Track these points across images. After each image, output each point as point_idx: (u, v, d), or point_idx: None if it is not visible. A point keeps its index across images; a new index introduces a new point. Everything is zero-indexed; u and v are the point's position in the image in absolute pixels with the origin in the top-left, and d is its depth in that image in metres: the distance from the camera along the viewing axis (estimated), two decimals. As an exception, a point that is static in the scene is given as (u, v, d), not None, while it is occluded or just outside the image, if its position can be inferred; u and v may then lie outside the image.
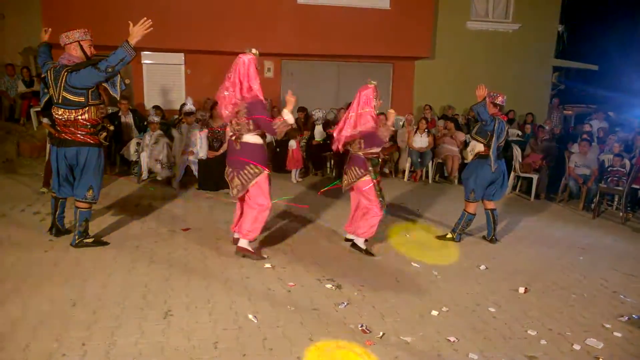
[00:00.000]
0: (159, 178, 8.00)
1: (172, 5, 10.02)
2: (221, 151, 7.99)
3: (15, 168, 8.51)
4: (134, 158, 8.31)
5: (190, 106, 8.29)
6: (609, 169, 8.12)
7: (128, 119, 9.12)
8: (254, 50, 4.74)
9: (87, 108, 4.74)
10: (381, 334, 3.67)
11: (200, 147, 7.83)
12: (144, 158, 7.94)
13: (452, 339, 3.67)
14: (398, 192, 8.41)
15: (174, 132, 8.25)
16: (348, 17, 11.01)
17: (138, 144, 8.29)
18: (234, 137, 4.83)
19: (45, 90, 4.90)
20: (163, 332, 3.49)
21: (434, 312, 4.08)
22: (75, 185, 4.92)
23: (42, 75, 4.85)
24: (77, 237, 4.94)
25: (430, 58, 12.21)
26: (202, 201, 7.15)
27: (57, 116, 4.75)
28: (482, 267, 5.22)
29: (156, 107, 9.28)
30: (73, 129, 4.73)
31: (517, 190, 9.16)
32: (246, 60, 4.69)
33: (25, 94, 10.20)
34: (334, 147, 5.45)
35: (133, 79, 11.05)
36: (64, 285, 4.10)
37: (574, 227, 7.17)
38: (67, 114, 4.68)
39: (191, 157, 7.88)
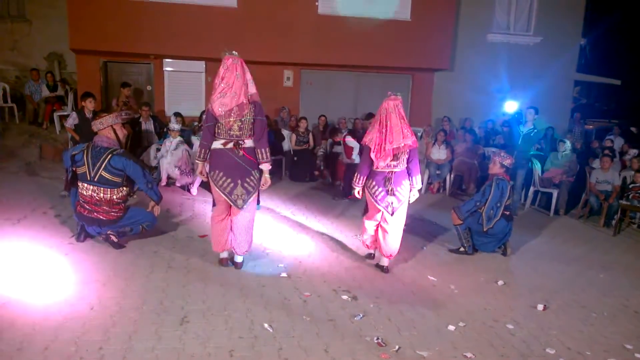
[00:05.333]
0: (177, 184, 8.07)
1: (193, 13, 10.15)
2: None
3: (37, 171, 8.64)
4: (153, 164, 8.39)
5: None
6: (630, 186, 7.98)
7: (148, 125, 9.23)
8: (235, 52, 4.67)
9: (122, 188, 5.08)
10: (397, 347, 3.64)
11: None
12: (164, 164, 8.01)
13: (468, 355, 3.63)
14: (415, 204, 8.31)
15: (193, 139, 8.32)
16: (368, 28, 11.03)
17: (158, 150, 8.37)
18: (231, 144, 4.57)
19: (71, 169, 5.11)
20: (179, 338, 3.51)
21: (451, 327, 4.04)
22: None
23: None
24: (114, 231, 5.15)
25: (450, 70, 12.18)
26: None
27: (88, 193, 4.99)
28: (500, 282, 5.16)
29: (177, 114, 9.39)
30: (107, 208, 5.01)
31: (536, 205, 9.05)
32: (243, 62, 4.64)
33: (49, 99, 10.41)
34: (377, 161, 4.93)
35: (154, 86, 11.21)
36: (83, 289, 4.15)
37: (594, 243, 7.05)
38: (103, 192, 4.97)
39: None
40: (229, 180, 4.60)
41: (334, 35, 10.91)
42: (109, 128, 5.11)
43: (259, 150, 4.70)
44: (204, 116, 4.81)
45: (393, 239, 5.10)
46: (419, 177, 5.10)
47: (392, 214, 4.99)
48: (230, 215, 4.80)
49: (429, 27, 11.36)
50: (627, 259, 6.42)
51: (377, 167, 4.95)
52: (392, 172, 4.94)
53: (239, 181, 4.61)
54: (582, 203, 8.58)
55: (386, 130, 4.88)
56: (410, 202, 5.20)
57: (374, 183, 5.01)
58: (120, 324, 3.63)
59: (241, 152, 4.60)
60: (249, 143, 4.65)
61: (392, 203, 4.96)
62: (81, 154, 4.97)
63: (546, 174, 8.88)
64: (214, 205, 4.93)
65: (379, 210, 5.03)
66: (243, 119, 4.56)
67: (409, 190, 5.07)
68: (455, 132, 11.39)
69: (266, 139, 4.78)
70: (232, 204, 4.65)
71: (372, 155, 4.95)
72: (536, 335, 4.06)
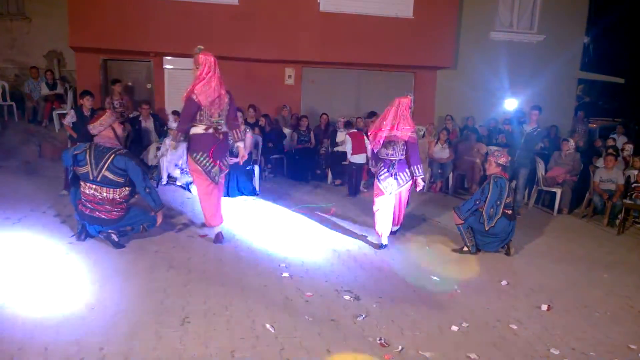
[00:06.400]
0: (178, 183, 8.03)
1: (194, 11, 10.10)
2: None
3: (36, 170, 8.61)
4: (153, 163, 8.36)
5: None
6: (633, 185, 7.94)
7: (148, 123, 9.20)
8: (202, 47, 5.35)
9: (124, 187, 5.06)
10: (400, 348, 3.61)
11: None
12: (164, 163, 7.97)
13: (472, 355, 3.60)
14: (418, 204, 8.32)
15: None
16: (370, 26, 10.99)
17: (158, 148, 8.33)
18: (212, 129, 5.27)
19: (71, 168, 5.05)
20: (180, 338, 3.48)
21: (454, 328, 4.01)
22: None
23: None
24: (115, 230, 5.11)
25: (453, 68, 12.13)
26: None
27: (90, 192, 4.95)
28: (504, 282, 5.12)
29: (175, 113, 9.35)
30: (109, 207, 5.00)
31: (539, 204, 9.01)
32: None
33: (48, 97, 10.38)
34: (371, 146, 5.99)
35: (155, 84, 11.17)
36: (84, 289, 4.12)
37: (598, 243, 7.01)
38: (105, 192, 4.95)
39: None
40: (210, 159, 5.31)
41: (336, 33, 10.85)
42: (109, 128, 5.10)
43: (234, 131, 5.48)
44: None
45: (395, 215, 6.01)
46: (419, 166, 5.86)
47: (390, 194, 5.80)
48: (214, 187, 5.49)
49: (432, 25, 11.30)
50: (631, 259, 6.38)
51: (375, 152, 5.93)
52: (394, 160, 5.78)
53: (218, 162, 5.35)
54: (585, 202, 8.54)
55: (382, 122, 5.73)
56: (417, 190, 6.06)
57: (381, 165, 5.88)
58: (121, 324, 3.60)
59: (221, 136, 5.34)
60: (224, 127, 5.41)
61: (391, 185, 5.78)
62: (84, 153, 4.93)
63: (549, 173, 8.83)
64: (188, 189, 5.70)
65: (382, 192, 5.79)
66: (223, 108, 5.30)
67: (410, 177, 5.85)
68: (458, 130, 11.35)
69: (239, 121, 5.72)
70: (211, 179, 5.36)
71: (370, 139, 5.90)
72: (540, 335, 4.03)
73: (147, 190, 5.07)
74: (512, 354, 3.68)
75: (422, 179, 5.90)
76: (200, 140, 5.26)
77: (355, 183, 8.80)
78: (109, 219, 5.02)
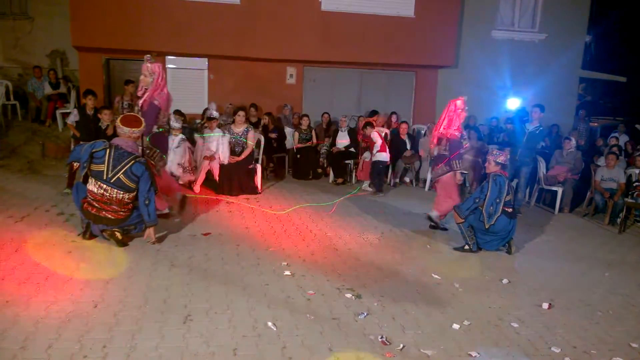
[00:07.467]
0: (180, 182, 8.04)
1: (196, 10, 10.12)
2: (243, 156, 8.02)
3: (40, 169, 8.66)
4: (156, 161, 8.36)
5: (212, 111, 8.34)
6: (635, 184, 7.93)
7: (151, 122, 9.21)
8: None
9: (135, 193, 5.11)
10: (401, 346, 3.61)
11: (221, 152, 7.87)
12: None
13: (473, 354, 3.60)
14: (419, 202, 8.33)
15: (196, 137, 8.30)
16: (372, 25, 11.00)
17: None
18: (161, 129, 6.12)
19: (85, 164, 5.01)
20: (183, 336, 3.49)
21: (456, 326, 4.01)
22: None
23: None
24: (119, 229, 5.11)
25: (454, 67, 12.12)
26: (222, 206, 7.17)
27: (99, 192, 4.96)
28: (505, 280, 5.12)
29: (178, 112, 9.36)
30: (116, 207, 5.02)
31: (541, 202, 9.00)
32: None
33: (52, 96, 10.42)
34: (431, 146, 6.88)
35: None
36: (86, 287, 4.14)
37: (600, 242, 7.00)
38: (115, 193, 4.98)
39: (212, 162, 7.92)
40: (160, 152, 6.04)
41: (338, 32, 10.86)
42: (140, 136, 5.27)
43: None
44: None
45: (439, 202, 6.67)
46: (456, 161, 6.47)
47: (436, 182, 6.79)
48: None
49: (433, 24, 11.30)
50: (632, 257, 6.37)
51: (436, 153, 6.70)
52: (441, 154, 6.59)
53: (164, 155, 6.18)
54: (587, 201, 8.53)
55: (438, 123, 6.63)
56: (457, 182, 6.67)
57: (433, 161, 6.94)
58: (123, 322, 3.62)
59: (166, 134, 6.30)
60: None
61: (436, 175, 6.72)
62: (103, 152, 4.95)
63: (551, 171, 8.83)
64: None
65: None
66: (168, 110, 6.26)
67: (445, 170, 6.48)
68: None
69: None
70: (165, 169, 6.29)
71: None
72: (541, 334, 4.03)
73: (147, 202, 5.07)
74: (514, 352, 3.69)
75: (460, 172, 6.60)
76: (158, 140, 6.04)
77: (379, 180, 8.92)
78: (114, 219, 5.04)
